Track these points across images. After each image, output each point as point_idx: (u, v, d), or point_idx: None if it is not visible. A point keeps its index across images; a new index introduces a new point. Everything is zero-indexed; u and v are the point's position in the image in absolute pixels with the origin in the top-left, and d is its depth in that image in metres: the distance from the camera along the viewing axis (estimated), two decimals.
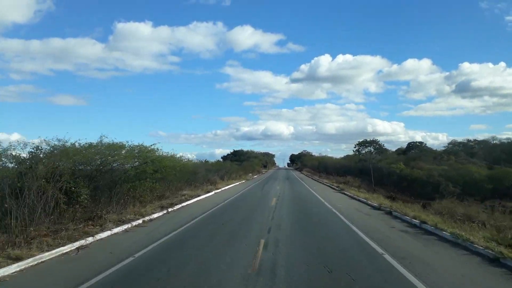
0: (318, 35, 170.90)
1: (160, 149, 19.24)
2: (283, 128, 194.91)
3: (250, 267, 6.65)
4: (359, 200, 20.51)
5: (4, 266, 6.79)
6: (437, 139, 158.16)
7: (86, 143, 15.62)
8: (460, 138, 79.29)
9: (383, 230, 10.83)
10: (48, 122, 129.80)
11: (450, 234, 9.31)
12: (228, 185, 33.10)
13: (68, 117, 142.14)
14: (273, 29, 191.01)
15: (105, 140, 15.90)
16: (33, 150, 13.05)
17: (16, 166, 12.32)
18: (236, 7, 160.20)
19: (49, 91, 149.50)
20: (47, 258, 7.75)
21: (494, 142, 71.27)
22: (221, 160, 73.54)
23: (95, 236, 9.86)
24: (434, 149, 76.55)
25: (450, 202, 14.83)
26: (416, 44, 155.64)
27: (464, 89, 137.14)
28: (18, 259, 7.24)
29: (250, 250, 7.96)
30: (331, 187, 33.69)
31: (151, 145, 18.43)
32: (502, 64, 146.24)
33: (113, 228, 10.97)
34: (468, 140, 76.30)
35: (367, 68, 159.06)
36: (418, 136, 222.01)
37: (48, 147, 13.57)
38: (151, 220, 13.14)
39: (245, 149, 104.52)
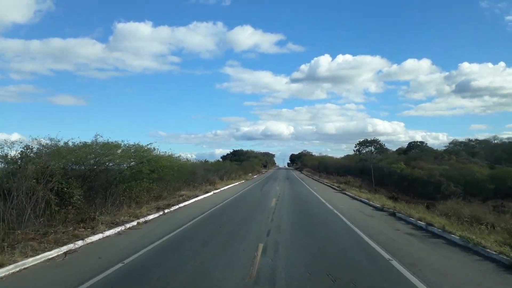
0: (318, 35, 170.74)
1: (157, 149, 18.78)
2: (283, 128, 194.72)
3: (247, 276, 6.15)
4: (360, 201, 20.02)
5: None
6: (437, 139, 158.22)
7: (80, 142, 15.21)
8: (461, 138, 78.76)
9: (388, 232, 10.33)
10: (48, 122, 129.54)
11: (460, 237, 8.81)
12: (228, 185, 32.63)
13: (68, 117, 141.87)
14: (273, 29, 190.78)
15: (100, 140, 15.47)
16: (23, 149, 12.61)
17: (5, 166, 11.88)
18: (236, 7, 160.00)
19: (49, 91, 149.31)
20: (31, 264, 7.25)
21: (495, 141, 70.92)
22: (221, 160, 73.02)
23: (85, 239, 9.37)
24: (435, 148, 76.23)
25: (455, 203, 14.31)
26: (416, 44, 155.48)
27: (464, 89, 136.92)
28: None
29: (247, 255, 7.46)
30: (331, 187, 33.20)
31: (148, 145, 17.97)
32: (502, 64, 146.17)
33: (105, 231, 10.48)
34: (469, 140, 75.94)
35: (367, 68, 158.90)
36: (418, 136, 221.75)
37: (39, 146, 13.14)
38: (146, 222, 12.65)
39: (245, 149, 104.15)
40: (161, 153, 20.44)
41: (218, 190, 26.83)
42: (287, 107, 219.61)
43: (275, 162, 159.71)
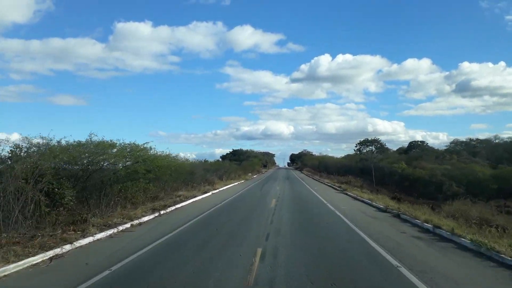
0: (318, 35, 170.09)
1: (153, 148, 18.30)
2: (283, 127, 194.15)
3: (243, 286, 5.63)
4: (362, 201, 19.50)
5: None
6: (437, 139, 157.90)
7: (74, 141, 14.71)
8: (462, 138, 78.31)
9: (393, 236, 9.80)
10: (48, 122, 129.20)
11: (471, 241, 8.29)
12: (227, 185, 32.13)
13: (68, 117, 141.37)
14: (273, 29, 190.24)
15: (95, 138, 14.97)
16: (13, 149, 12.13)
17: None
18: (236, 7, 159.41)
19: (49, 91, 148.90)
20: (12, 271, 6.73)
21: (496, 141, 70.37)
22: (220, 159, 72.50)
23: (74, 243, 8.86)
24: (436, 148, 75.76)
25: (462, 203, 13.79)
26: (416, 43, 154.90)
27: (464, 88, 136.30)
28: None
29: (245, 262, 6.94)
30: (332, 187, 32.68)
31: (143, 144, 17.47)
32: (502, 63, 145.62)
33: (96, 234, 9.96)
34: (470, 139, 75.45)
35: (367, 68, 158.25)
36: (418, 136, 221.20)
37: (29, 145, 12.63)
38: (140, 224, 12.13)
39: (244, 148, 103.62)
40: (158, 153, 20.05)
41: (217, 191, 26.33)
42: (287, 106, 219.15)
43: (275, 161, 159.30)
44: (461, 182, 45.54)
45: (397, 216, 13.58)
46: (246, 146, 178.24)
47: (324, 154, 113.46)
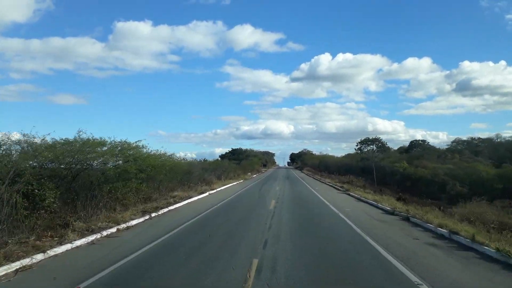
0: (318, 34, 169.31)
1: (146, 146, 17.29)
2: (283, 127, 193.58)
3: None
4: (367, 203, 18.51)
5: None
6: (437, 138, 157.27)
7: (61, 139, 13.73)
8: (464, 137, 77.38)
9: (406, 243, 8.80)
10: (48, 122, 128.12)
11: (496, 250, 7.29)
12: (225, 185, 31.17)
13: (68, 116, 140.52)
14: (273, 28, 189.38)
15: (84, 136, 13.98)
16: None
17: None
18: (236, 6, 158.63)
19: (49, 90, 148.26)
20: None
21: (498, 140, 69.40)
22: (219, 159, 71.49)
23: (48, 251, 7.86)
24: (437, 147, 74.84)
25: (477, 205, 12.78)
26: (416, 43, 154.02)
27: (464, 87, 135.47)
28: None
29: (238, 276, 5.93)
30: (334, 187, 31.70)
31: (135, 142, 16.45)
32: (503, 62, 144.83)
33: (75, 240, 8.97)
34: (472, 138, 74.47)
35: (367, 67, 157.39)
36: (418, 135, 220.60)
37: (7, 142, 11.65)
38: (127, 228, 11.14)
39: (244, 147, 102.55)
40: (152, 152, 19.07)
41: (214, 191, 25.35)
42: (287, 106, 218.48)
43: (275, 161, 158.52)
44: (464, 181, 44.58)
45: (407, 219, 12.58)
46: (246, 145, 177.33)
47: (324, 153, 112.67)
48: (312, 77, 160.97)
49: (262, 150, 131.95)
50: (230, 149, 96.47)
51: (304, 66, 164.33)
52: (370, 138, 72.69)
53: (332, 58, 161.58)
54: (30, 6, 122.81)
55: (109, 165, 15.14)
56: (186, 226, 11.37)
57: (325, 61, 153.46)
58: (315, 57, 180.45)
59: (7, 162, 10.51)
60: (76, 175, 14.01)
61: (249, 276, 5.89)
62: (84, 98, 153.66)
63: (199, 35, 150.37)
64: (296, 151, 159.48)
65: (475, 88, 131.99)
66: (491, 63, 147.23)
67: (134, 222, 11.88)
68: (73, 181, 13.95)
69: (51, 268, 6.92)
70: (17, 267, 6.79)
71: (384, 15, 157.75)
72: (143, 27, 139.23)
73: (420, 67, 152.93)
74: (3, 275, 6.42)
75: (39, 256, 7.52)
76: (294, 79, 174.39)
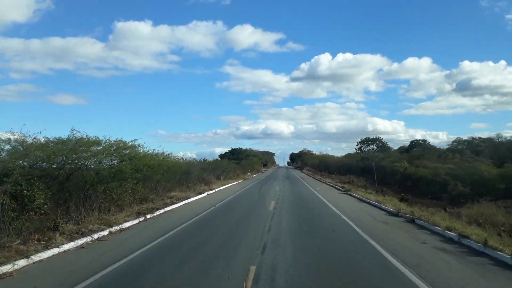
0: (318, 34, 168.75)
1: (142, 145, 16.79)
2: (283, 127, 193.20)
3: None
4: (369, 203, 18.01)
5: None
6: (437, 138, 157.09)
7: (54, 138, 13.26)
8: (464, 137, 76.94)
9: (414, 247, 8.29)
10: (49, 122, 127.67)
11: None
12: (224, 185, 30.69)
13: (68, 116, 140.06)
14: (273, 28, 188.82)
15: (78, 135, 13.49)
16: None
17: None
18: (236, 6, 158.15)
19: (49, 90, 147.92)
20: None
21: (499, 140, 68.96)
22: (219, 158, 70.97)
23: (32, 257, 7.37)
24: (438, 147, 74.41)
25: (486, 206, 12.28)
26: (416, 42, 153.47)
27: (464, 87, 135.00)
28: None
29: (233, 287, 5.44)
30: (335, 187, 31.21)
31: (131, 141, 15.92)
32: (503, 62, 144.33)
33: (63, 244, 8.48)
34: (473, 138, 74.03)
35: (367, 67, 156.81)
36: (418, 135, 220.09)
37: None
38: (120, 230, 10.66)
39: (244, 147, 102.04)
40: (149, 151, 18.59)
41: (213, 191, 24.86)
42: (287, 106, 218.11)
43: (275, 161, 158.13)
44: (466, 181, 44.11)
45: (412, 221, 12.08)
46: (246, 145, 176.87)
47: (325, 153, 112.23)
48: (312, 77, 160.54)
49: (262, 150, 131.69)
50: (229, 149, 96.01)
51: (304, 66, 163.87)
52: (371, 137, 72.29)
53: (332, 58, 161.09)
54: (30, 6, 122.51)
55: (103, 165, 14.64)
56: (181, 228, 10.88)
57: (325, 61, 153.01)
58: (315, 57, 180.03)
59: None
60: (70, 175, 13.53)
61: (245, 286, 5.38)
62: (84, 98, 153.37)
63: (199, 35, 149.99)
64: (296, 151, 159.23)
65: (475, 88, 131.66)
66: (491, 63, 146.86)
67: (127, 224, 11.40)
68: (67, 181, 13.47)
69: (33, 275, 6.44)
70: None
71: (384, 15, 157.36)
72: (143, 27, 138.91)
73: (420, 67, 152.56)
74: None
75: (22, 262, 7.03)
76: (294, 79, 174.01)
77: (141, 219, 12.64)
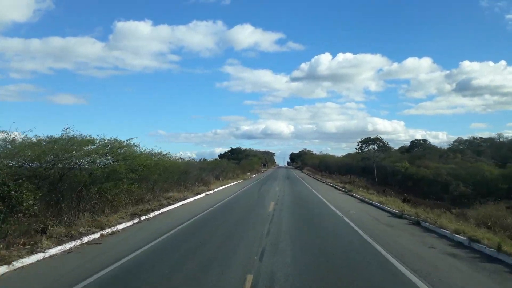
0: (318, 34, 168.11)
1: (138, 144, 16.31)
2: (283, 127, 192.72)
3: None
4: (371, 204, 17.52)
5: None
6: (437, 138, 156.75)
7: (47, 137, 12.79)
8: (465, 136, 76.48)
9: (422, 252, 7.79)
10: (49, 122, 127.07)
11: None
12: (223, 185, 30.22)
13: (68, 116, 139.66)
14: (273, 28, 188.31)
15: (71, 134, 13.02)
16: None
17: None
18: (236, 6, 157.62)
19: (49, 90, 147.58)
20: None
21: (501, 140, 68.51)
22: (218, 158, 70.48)
23: (14, 263, 6.87)
24: (439, 147, 73.98)
25: (495, 208, 11.79)
26: (416, 42, 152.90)
27: (464, 87, 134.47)
28: None
29: None
30: (335, 187, 30.73)
31: (127, 140, 15.42)
32: (503, 62, 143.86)
33: (49, 248, 7.99)
34: (474, 138, 73.61)
35: (367, 67, 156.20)
36: (418, 135, 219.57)
37: None
38: (113, 233, 10.17)
39: (244, 147, 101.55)
40: (146, 150, 18.12)
41: (211, 191, 24.39)
42: (287, 106, 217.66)
43: (275, 161, 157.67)
44: (468, 181, 43.64)
45: (417, 223, 11.59)
46: (246, 145, 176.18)
47: (325, 153, 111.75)
48: (312, 77, 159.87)
49: (262, 150, 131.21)
50: (229, 149, 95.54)
51: (304, 66, 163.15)
52: (371, 137, 71.82)
53: (332, 58, 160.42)
54: (30, 6, 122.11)
55: (96, 165, 14.15)
56: (177, 231, 10.39)
57: (325, 61, 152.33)
58: (315, 57, 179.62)
59: None
60: (62, 175, 13.05)
61: None
62: (84, 98, 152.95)
63: (199, 35, 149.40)
64: (296, 151, 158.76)
65: (475, 88, 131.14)
66: (491, 63, 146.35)
67: (120, 227, 10.91)
68: (60, 182, 13.00)
69: (13, 283, 5.95)
70: None
71: (384, 15, 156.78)
72: (143, 27, 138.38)
73: (420, 67, 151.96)
74: None
75: (3, 269, 6.54)
76: (294, 79, 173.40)
77: (135, 221, 12.17)
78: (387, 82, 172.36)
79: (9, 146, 11.70)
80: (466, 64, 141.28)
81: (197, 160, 42.24)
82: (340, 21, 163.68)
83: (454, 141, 74.56)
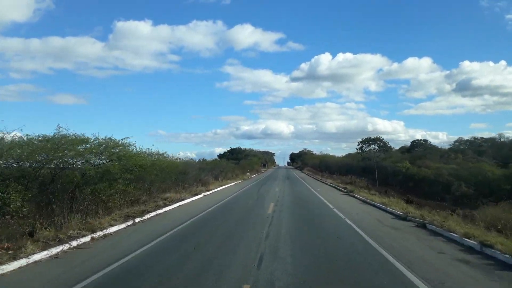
0: (318, 33, 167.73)
1: (134, 144, 15.84)
2: (283, 127, 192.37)
3: None
4: (374, 206, 17.04)
5: None
6: (437, 138, 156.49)
7: (39, 136, 12.31)
8: (466, 136, 76.03)
9: (431, 259, 7.30)
10: (49, 122, 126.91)
11: None
12: (222, 185, 29.75)
13: (68, 116, 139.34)
14: (273, 28, 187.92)
15: (64, 132, 12.56)
16: None
17: None
18: (236, 6, 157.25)
19: (49, 90, 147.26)
20: None
21: (502, 140, 68.07)
22: (218, 158, 70.03)
23: None
24: (439, 147, 73.53)
25: (502, 209, 11.32)
26: (416, 42, 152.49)
27: (464, 87, 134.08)
28: None
29: None
30: (336, 188, 30.25)
31: (122, 139, 14.93)
32: (503, 62, 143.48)
33: (34, 254, 7.49)
34: (475, 138, 73.16)
35: (367, 67, 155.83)
36: (418, 135, 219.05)
37: None
38: (104, 236, 9.69)
39: (244, 147, 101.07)
40: (143, 150, 17.66)
41: (210, 192, 23.91)
42: (287, 106, 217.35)
43: (275, 161, 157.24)
44: (469, 182, 43.20)
45: (423, 226, 11.09)
46: (246, 145, 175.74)
47: (325, 153, 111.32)
48: (312, 77, 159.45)
49: (262, 150, 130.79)
50: (228, 149, 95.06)
51: (304, 66, 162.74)
52: (372, 137, 71.43)
53: (332, 58, 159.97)
54: (30, 6, 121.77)
55: (89, 165, 13.67)
56: (172, 234, 9.91)
57: (325, 61, 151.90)
58: (315, 57, 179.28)
59: None
60: (54, 175, 12.59)
61: None
62: (84, 98, 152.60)
63: (199, 35, 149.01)
64: (296, 151, 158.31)
65: (475, 88, 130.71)
66: (491, 63, 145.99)
67: (113, 229, 10.43)
68: (52, 182, 12.54)
69: None
70: None
71: (384, 15, 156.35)
72: (143, 27, 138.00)
73: (420, 67, 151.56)
74: None
75: None
76: (294, 79, 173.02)
77: (129, 223, 11.68)
78: (387, 82, 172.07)
79: None
80: (466, 64, 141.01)
81: (196, 160, 41.89)
82: (340, 21, 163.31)
83: (455, 141, 74.11)
